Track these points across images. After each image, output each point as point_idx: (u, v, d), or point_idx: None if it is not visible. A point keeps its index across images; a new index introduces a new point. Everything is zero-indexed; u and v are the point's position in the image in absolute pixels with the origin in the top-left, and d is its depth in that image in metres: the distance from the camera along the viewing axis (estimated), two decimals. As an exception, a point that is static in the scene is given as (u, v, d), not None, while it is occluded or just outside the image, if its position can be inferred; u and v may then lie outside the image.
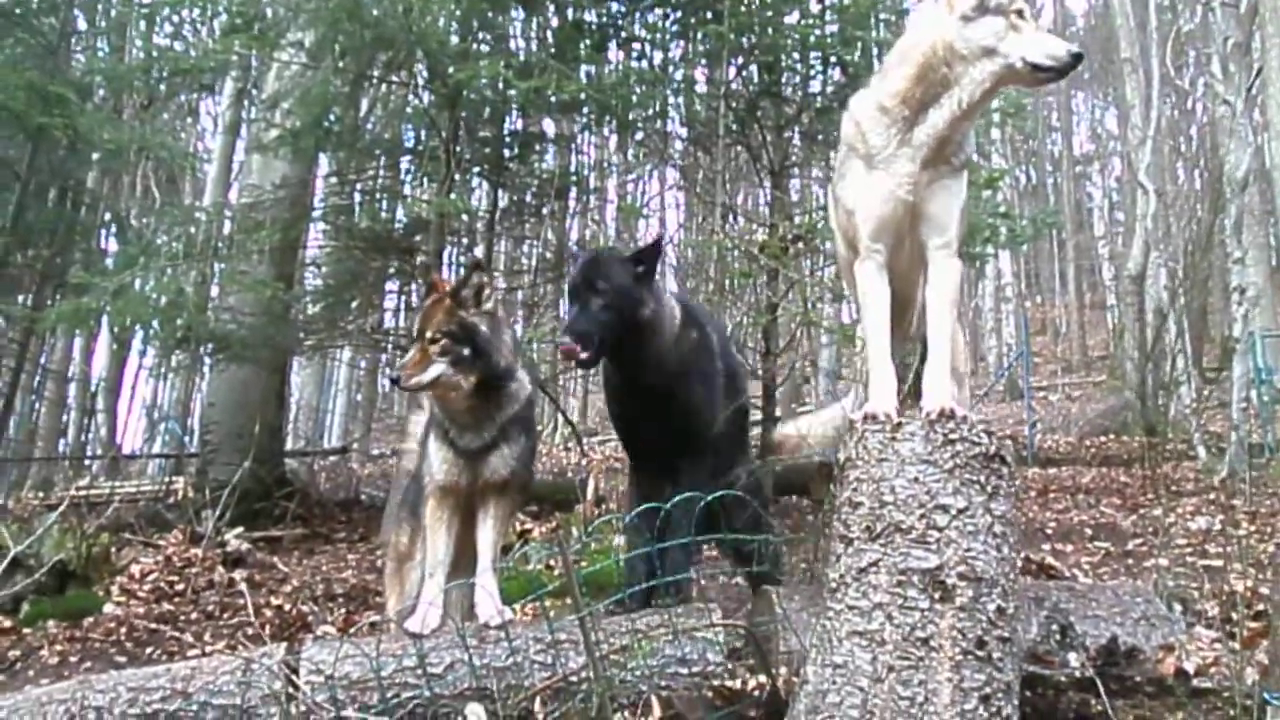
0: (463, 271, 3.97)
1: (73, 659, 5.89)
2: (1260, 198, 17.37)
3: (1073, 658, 3.59)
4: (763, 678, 3.53)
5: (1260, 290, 16.14)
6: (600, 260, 4.08)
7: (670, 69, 10.99)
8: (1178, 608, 4.11)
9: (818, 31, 10.27)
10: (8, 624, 6.63)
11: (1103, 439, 18.58)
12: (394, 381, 4.01)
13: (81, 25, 15.13)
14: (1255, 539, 7.41)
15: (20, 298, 14.26)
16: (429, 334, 3.86)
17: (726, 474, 4.19)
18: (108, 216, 16.83)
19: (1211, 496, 9.85)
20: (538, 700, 3.50)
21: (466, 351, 3.83)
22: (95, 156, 14.20)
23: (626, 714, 3.50)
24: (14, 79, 11.08)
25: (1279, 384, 14.42)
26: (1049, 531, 8.47)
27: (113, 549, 8.18)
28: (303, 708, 3.53)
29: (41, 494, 12.21)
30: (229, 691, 3.59)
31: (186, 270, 10.38)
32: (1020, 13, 3.23)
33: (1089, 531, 8.38)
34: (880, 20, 10.72)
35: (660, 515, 3.75)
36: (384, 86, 11.57)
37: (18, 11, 13.01)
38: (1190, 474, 11.84)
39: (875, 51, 10.87)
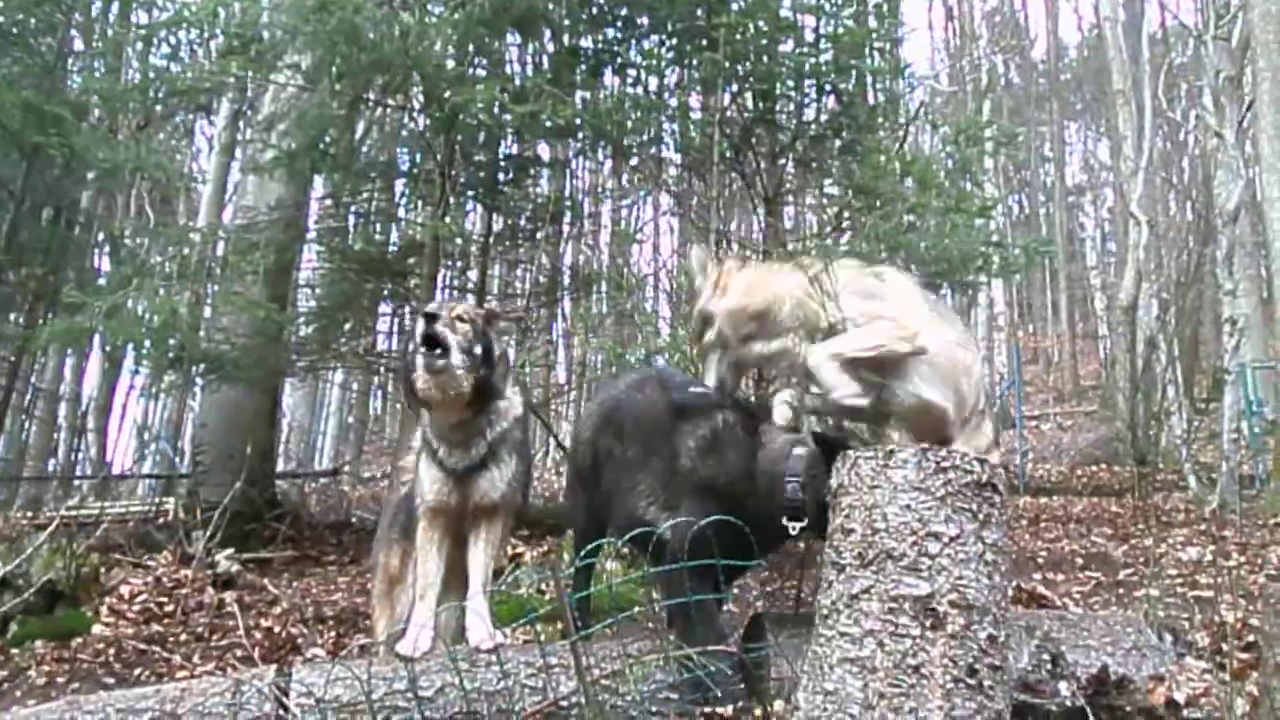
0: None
1: (60, 680, 5.85)
2: (1251, 230, 17.45)
3: (1064, 687, 3.58)
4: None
5: (1251, 322, 16.23)
6: None
7: (665, 95, 10.99)
8: (1168, 638, 4.09)
9: (812, 60, 10.30)
10: (-5, 644, 6.60)
11: (1094, 468, 18.57)
12: (430, 318, 3.82)
13: (79, 45, 15.11)
14: (1246, 570, 7.41)
15: (13, 316, 14.23)
16: (458, 312, 3.89)
17: None
18: (102, 236, 16.78)
19: (1202, 527, 9.86)
20: (529, 724, 3.49)
21: (478, 349, 3.85)
22: (90, 176, 14.17)
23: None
24: (10, 98, 11.07)
25: (1269, 415, 14.49)
26: (1040, 560, 8.47)
27: (102, 569, 8.12)
28: (292, 730, 3.52)
29: (30, 513, 12.11)
30: (218, 714, 3.58)
31: (180, 290, 10.36)
32: None
33: (1080, 561, 8.37)
34: (874, 49, 10.77)
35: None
36: (380, 109, 11.59)
37: (15, 31, 13.01)
38: (1181, 504, 11.84)
39: (869, 80, 10.93)
